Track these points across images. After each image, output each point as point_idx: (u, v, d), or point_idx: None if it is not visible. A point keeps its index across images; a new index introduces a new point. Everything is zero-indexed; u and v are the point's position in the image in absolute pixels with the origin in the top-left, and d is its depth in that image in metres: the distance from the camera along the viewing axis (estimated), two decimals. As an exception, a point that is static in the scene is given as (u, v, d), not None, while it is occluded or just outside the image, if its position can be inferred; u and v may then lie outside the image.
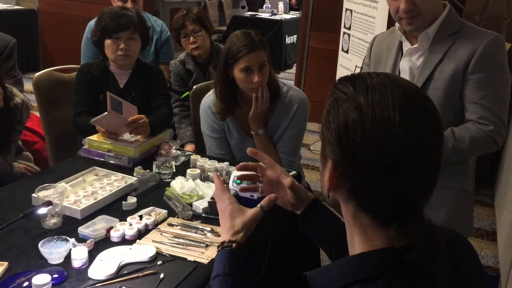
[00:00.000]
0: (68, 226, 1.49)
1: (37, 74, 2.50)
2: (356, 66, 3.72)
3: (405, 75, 1.76)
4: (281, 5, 8.50)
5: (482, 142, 1.65)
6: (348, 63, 3.96)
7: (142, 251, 1.36)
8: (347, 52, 4.00)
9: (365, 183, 0.75)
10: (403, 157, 0.73)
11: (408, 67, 1.76)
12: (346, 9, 4.01)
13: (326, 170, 0.81)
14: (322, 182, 0.86)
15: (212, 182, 1.86)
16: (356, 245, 0.81)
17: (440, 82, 1.67)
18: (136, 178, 1.80)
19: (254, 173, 1.28)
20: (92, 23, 3.05)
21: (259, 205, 1.15)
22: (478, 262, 0.91)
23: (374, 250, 0.77)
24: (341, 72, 4.09)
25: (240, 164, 1.28)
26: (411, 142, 0.73)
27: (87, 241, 1.38)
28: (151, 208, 1.61)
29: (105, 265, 1.30)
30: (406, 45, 1.78)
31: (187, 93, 2.81)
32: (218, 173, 1.25)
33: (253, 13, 8.64)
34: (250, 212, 1.15)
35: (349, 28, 3.95)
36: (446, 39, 1.68)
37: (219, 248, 1.11)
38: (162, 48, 3.27)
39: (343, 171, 0.77)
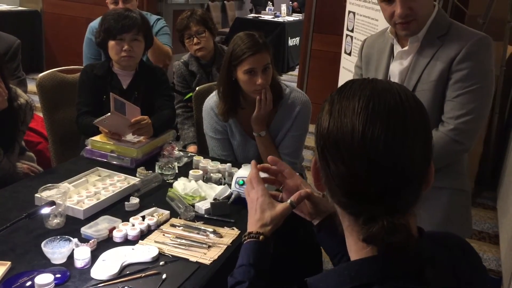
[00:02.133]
0: (71, 226, 1.50)
1: (40, 75, 2.51)
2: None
3: (395, 78, 1.77)
4: (284, 7, 8.51)
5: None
6: (351, 66, 3.95)
7: (144, 252, 1.37)
8: (349, 54, 3.99)
9: (332, 175, 0.79)
10: (360, 153, 0.74)
11: (398, 70, 1.77)
12: (349, 12, 4.01)
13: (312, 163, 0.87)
14: None
15: (215, 183, 1.86)
16: (352, 250, 0.83)
17: (427, 84, 1.67)
18: (138, 179, 1.80)
19: (275, 178, 1.28)
20: (93, 24, 3.06)
21: (289, 201, 1.16)
22: (481, 266, 0.91)
23: (368, 257, 0.78)
24: (343, 75, 4.09)
25: (262, 165, 1.26)
26: (370, 141, 0.74)
27: (90, 241, 1.39)
28: (153, 208, 1.61)
29: (107, 265, 1.30)
30: (397, 48, 1.78)
31: (190, 94, 2.82)
32: (256, 162, 1.24)
33: (256, 15, 8.65)
34: (280, 206, 1.15)
35: (352, 31, 3.96)
36: (435, 42, 1.68)
37: (245, 237, 1.11)
38: (157, 34, 3.11)
39: (320, 164, 0.82)
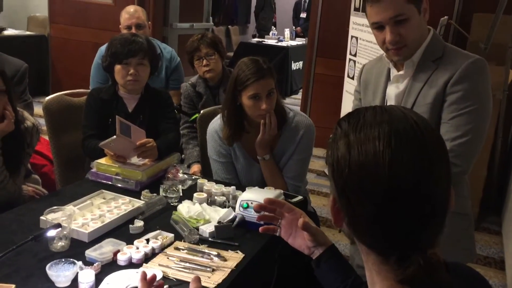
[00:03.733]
0: (76, 249, 1.49)
1: (47, 98, 2.54)
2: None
3: (391, 102, 1.79)
4: (287, 32, 8.62)
5: None
6: (354, 89, 3.99)
7: (148, 275, 1.36)
8: (352, 78, 4.03)
9: (359, 217, 0.76)
10: (389, 186, 0.72)
11: (394, 94, 1.79)
12: (352, 36, 4.07)
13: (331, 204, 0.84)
14: None
15: (219, 206, 1.87)
16: (377, 285, 0.80)
17: (423, 107, 1.68)
18: (143, 202, 1.81)
19: (273, 215, 1.28)
20: (102, 48, 3.11)
21: None
22: None
23: None
24: (347, 98, 4.12)
25: (258, 204, 1.28)
26: (397, 171, 0.72)
27: (94, 264, 1.39)
28: (158, 231, 1.61)
29: (111, 288, 1.30)
30: (393, 72, 1.81)
31: (196, 115, 2.85)
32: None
33: (260, 39, 8.75)
34: None
35: (354, 55, 4.00)
36: (430, 65, 1.70)
37: None
38: (172, 74, 3.32)
39: (340, 204, 0.79)
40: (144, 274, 1.16)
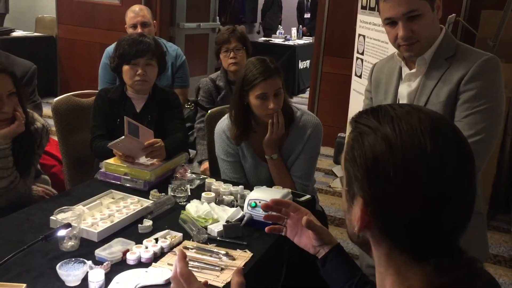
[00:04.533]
0: (85, 249, 1.51)
1: (56, 99, 2.56)
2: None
3: (403, 100, 1.78)
4: (294, 31, 8.61)
5: None
6: (362, 88, 3.96)
7: (157, 274, 1.37)
8: (360, 77, 4.02)
9: (400, 219, 0.72)
10: (439, 187, 0.69)
11: (406, 93, 1.78)
12: (359, 35, 4.05)
13: (355, 208, 0.77)
14: (349, 221, 0.82)
15: (227, 206, 1.87)
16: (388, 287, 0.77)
17: (436, 105, 1.68)
18: (151, 201, 1.82)
19: (280, 214, 1.29)
20: (109, 49, 3.14)
21: None
22: None
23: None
24: (354, 97, 4.11)
25: (265, 203, 1.28)
26: (446, 170, 0.69)
27: (104, 264, 1.40)
28: (166, 231, 1.62)
29: (121, 287, 1.31)
30: (405, 70, 1.80)
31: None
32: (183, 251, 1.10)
33: (267, 38, 8.75)
34: None
35: (362, 53, 3.99)
36: (442, 63, 1.69)
37: None
38: (177, 72, 3.35)
39: (375, 208, 0.74)
40: (183, 254, 1.05)
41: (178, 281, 1.00)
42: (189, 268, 1.01)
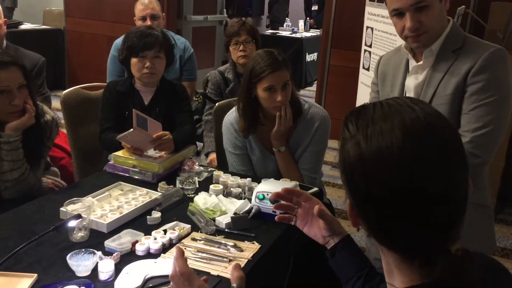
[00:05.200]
0: (95, 240, 1.52)
1: (64, 91, 2.57)
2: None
3: (410, 93, 1.77)
4: (301, 23, 8.57)
5: None
6: (369, 81, 3.94)
7: (166, 265, 1.38)
8: (368, 69, 4.00)
9: (376, 219, 0.74)
10: (408, 184, 0.70)
11: (413, 85, 1.77)
12: (367, 27, 4.03)
13: (348, 206, 0.81)
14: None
15: (235, 198, 1.88)
16: (396, 279, 0.79)
17: (443, 98, 1.67)
18: (160, 193, 1.83)
19: (290, 204, 1.29)
20: (118, 41, 3.15)
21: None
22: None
23: (413, 286, 0.75)
24: (362, 90, 4.10)
25: (276, 193, 1.27)
26: (415, 167, 0.70)
27: (113, 254, 1.41)
28: (175, 222, 1.64)
29: (131, 278, 1.32)
30: (412, 63, 1.79)
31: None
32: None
33: (274, 31, 8.72)
34: None
35: (370, 46, 3.97)
36: (450, 56, 1.68)
37: None
38: (185, 65, 3.36)
39: (357, 210, 0.77)
40: (181, 251, 1.06)
41: (178, 279, 1.01)
42: (194, 261, 1.01)
